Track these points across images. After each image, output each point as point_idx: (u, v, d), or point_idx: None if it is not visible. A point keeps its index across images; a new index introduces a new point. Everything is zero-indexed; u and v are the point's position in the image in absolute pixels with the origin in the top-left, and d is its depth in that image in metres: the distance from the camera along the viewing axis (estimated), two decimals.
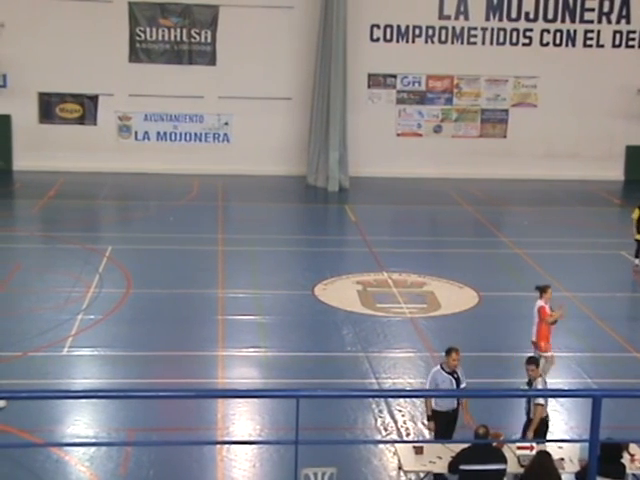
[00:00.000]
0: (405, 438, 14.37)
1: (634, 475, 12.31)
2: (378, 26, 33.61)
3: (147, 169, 32.95)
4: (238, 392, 14.32)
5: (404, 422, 14.80)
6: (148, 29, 33.03)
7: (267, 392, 17.17)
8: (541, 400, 13.10)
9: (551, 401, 15.01)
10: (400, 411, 15.11)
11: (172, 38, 33.19)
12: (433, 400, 13.14)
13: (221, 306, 19.71)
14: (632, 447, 12.42)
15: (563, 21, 34.14)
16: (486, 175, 33.74)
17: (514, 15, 33.93)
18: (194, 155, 33.58)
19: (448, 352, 13.34)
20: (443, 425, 13.10)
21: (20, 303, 19.64)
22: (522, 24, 33.98)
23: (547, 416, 13.47)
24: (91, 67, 32.61)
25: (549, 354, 15.89)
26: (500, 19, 33.92)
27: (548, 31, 34.13)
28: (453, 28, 33.78)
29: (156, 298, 20.32)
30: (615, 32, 34.31)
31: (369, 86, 34.02)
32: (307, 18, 32.88)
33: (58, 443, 14.66)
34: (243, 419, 14.91)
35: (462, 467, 11.69)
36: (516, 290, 21.48)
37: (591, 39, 34.32)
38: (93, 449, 13.71)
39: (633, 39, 34.39)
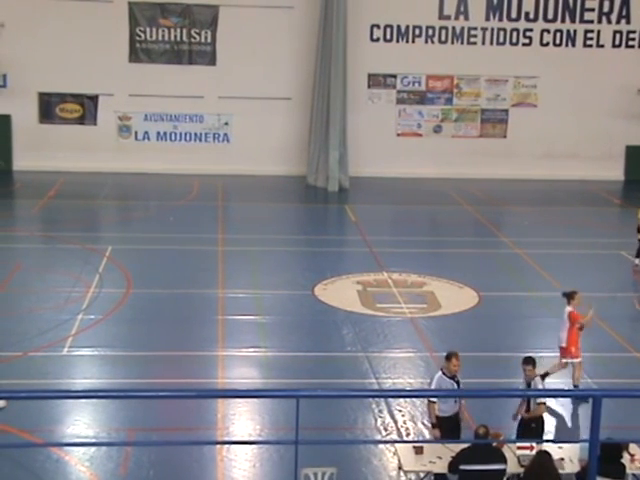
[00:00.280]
0: (405, 438, 14.37)
1: (634, 475, 12.31)
2: (378, 26, 33.61)
3: (147, 169, 32.95)
4: (238, 392, 14.32)
5: (404, 422, 14.81)
6: (148, 29, 33.03)
7: (267, 392, 17.17)
8: (543, 399, 13.14)
9: (551, 401, 15.03)
10: (400, 411, 15.11)
11: (172, 38, 33.19)
12: (437, 407, 13.09)
13: (221, 306, 19.71)
14: (632, 447, 12.42)
15: (563, 21, 34.14)
16: (486, 175, 33.74)
17: (514, 15, 33.94)
18: (194, 155, 33.58)
19: (448, 357, 13.22)
20: (448, 431, 13.06)
21: (20, 303, 19.64)
22: (522, 24, 33.98)
23: (542, 416, 13.51)
24: (91, 67, 32.61)
25: (578, 360, 15.90)
26: (500, 19, 33.92)
27: (548, 31, 34.13)
28: (453, 28, 33.78)
29: (156, 298, 20.31)
30: (615, 32, 34.31)
31: (369, 86, 34.02)
32: (307, 18, 32.88)
33: (58, 443, 14.66)
34: (243, 419, 14.91)
35: (462, 467, 11.69)
36: (516, 290, 21.50)
37: (591, 39, 34.32)
38: (93, 449, 13.71)
39: (633, 39, 34.39)
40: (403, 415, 15.01)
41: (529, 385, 13.31)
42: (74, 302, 19.63)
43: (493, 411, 13.80)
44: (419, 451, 12.35)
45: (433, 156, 34.06)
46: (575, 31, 34.23)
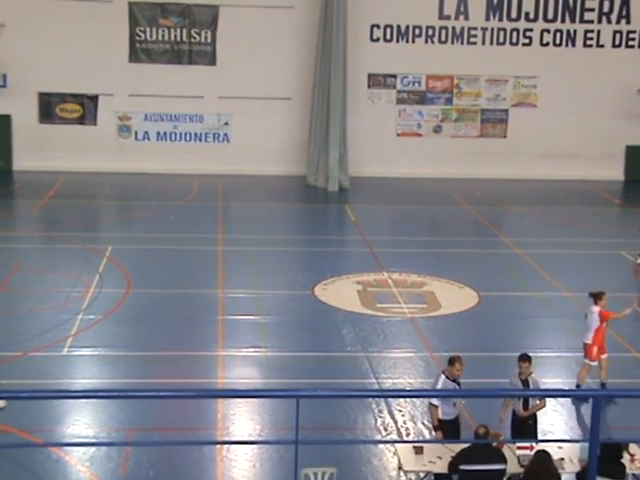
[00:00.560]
0: (405, 438, 14.37)
1: (634, 475, 12.31)
2: (378, 26, 33.61)
3: (147, 169, 32.96)
4: (238, 392, 14.31)
5: (404, 422, 14.81)
6: (148, 29, 33.03)
7: (267, 392, 17.16)
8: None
9: (551, 401, 15.03)
10: (400, 411, 15.11)
11: (172, 38, 33.19)
12: (440, 411, 13.06)
13: (221, 306, 19.71)
14: (632, 447, 12.42)
15: (563, 21, 34.14)
16: (486, 175, 33.73)
17: (514, 15, 33.93)
18: (194, 155, 33.58)
19: (452, 362, 13.13)
20: (449, 433, 13.04)
21: (20, 303, 19.64)
22: (522, 24, 33.97)
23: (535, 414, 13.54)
24: (91, 67, 32.61)
25: (595, 363, 15.90)
26: (500, 19, 33.91)
27: (548, 31, 34.13)
28: (453, 28, 33.77)
29: (156, 298, 20.31)
30: (615, 32, 34.30)
31: (369, 86, 34.02)
32: (307, 18, 32.88)
33: (58, 443, 14.66)
34: (243, 419, 14.91)
35: (462, 467, 11.69)
36: (516, 290, 21.50)
37: (591, 39, 34.31)
38: (93, 449, 13.71)
39: (633, 39, 34.38)
40: (403, 415, 15.01)
41: (524, 382, 13.31)
42: (74, 302, 19.63)
43: (493, 411, 13.79)
44: (419, 451, 12.35)
45: (433, 156, 34.06)
46: (575, 31, 34.23)
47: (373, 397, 15.64)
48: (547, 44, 34.15)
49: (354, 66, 32.88)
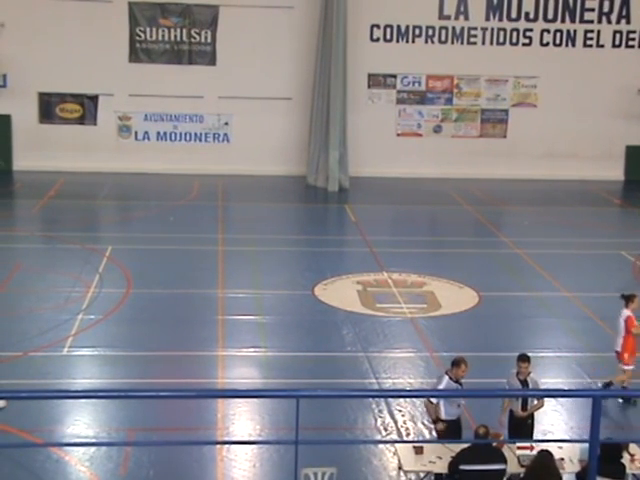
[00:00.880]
0: (405, 438, 14.37)
1: (634, 475, 12.31)
2: (378, 26, 33.61)
3: (147, 169, 32.96)
4: (238, 392, 14.32)
5: (404, 422, 14.80)
6: (148, 29, 33.04)
7: (267, 392, 17.16)
8: None
9: (551, 401, 15.03)
10: (400, 411, 15.11)
11: (172, 38, 33.19)
12: (442, 411, 13.04)
13: (221, 306, 19.71)
14: (632, 447, 12.42)
15: (563, 21, 34.14)
16: (486, 175, 33.74)
17: (514, 15, 33.94)
18: (194, 155, 33.58)
19: (457, 363, 13.07)
20: (451, 434, 13.02)
21: (20, 303, 19.63)
22: (522, 24, 33.98)
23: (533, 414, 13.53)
24: (91, 67, 32.61)
25: (630, 367, 15.61)
26: (500, 19, 33.92)
27: (548, 31, 34.13)
28: (453, 28, 33.77)
29: (156, 298, 20.31)
30: (615, 32, 34.30)
31: (369, 86, 34.02)
32: (307, 18, 32.88)
33: (58, 443, 14.66)
34: (243, 419, 14.90)
35: (462, 467, 11.69)
36: (516, 290, 21.51)
37: (591, 39, 34.31)
38: (93, 449, 13.71)
39: (633, 39, 34.39)
40: (403, 415, 15.01)
41: (523, 382, 13.29)
42: (74, 302, 19.63)
43: (493, 411, 13.79)
44: (419, 451, 12.34)
45: (433, 156, 34.06)
46: (575, 31, 34.23)
47: (373, 397, 15.63)
48: (547, 44, 34.15)
49: (354, 66, 32.89)
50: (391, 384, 16.24)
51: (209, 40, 33.27)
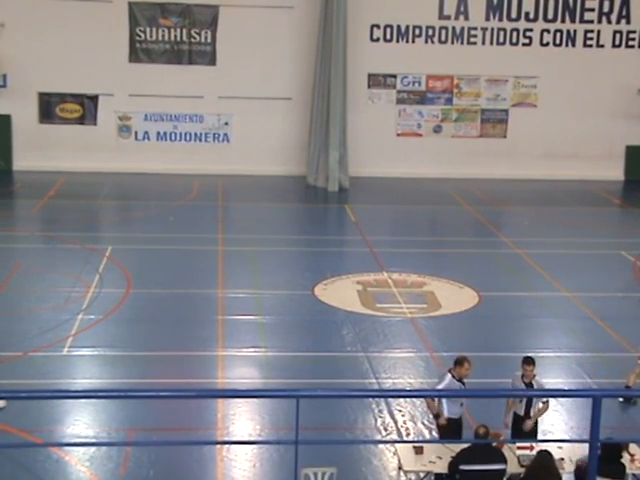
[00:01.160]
0: (405, 438, 14.37)
1: (634, 475, 12.31)
2: (378, 26, 33.61)
3: (147, 169, 32.96)
4: (238, 392, 14.32)
5: (404, 422, 14.80)
6: (148, 29, 33.03)
7: (267, 392, 17.16)
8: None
9: (551, 401, 15.02)
10: (400, 411, 15.11)
11: (172, 38, 33.19)
12: (445, 409, 13.04)
13: (221, 306, 19.71)
14: (632, 447, 12.42)
15: (563, 21, 34.14)
16: (486, 175, 33.74)
17: (514, 15, 33.93)
18: (194, 155, 33.58)
19: (461, 362, 13.07)
20: (453, 432, 13.01)
21: (20, 303, 19.63)
22: (522, 24, 33.97)
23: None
24: (91, 67, 32.61)
25: None
26: (500, 19, 33.91)
27: (548, 31, 34.13)
28: (453, 28, 33.77)
29: (156, 298, 20.31)
30: (615, 32, 34.30)
31: (369, 86, 34.02)
32: (307, 18, 32.88)
33: (58, 443, 14.66)
34: (243, 419, 14.90)
35: (462, 467, 11.69)
36: (516, 290, 21.51)
37: (591, 39, 34.31)
38: (93, 449, 13.71)
39: (633, 39, 34.39)
40: (403, 415, 15.01)
41: (528, 385, 13.28)
42: (74, 302, 19.62)
43: (493, 411, 13.79)
44: (419, 451, 12.35)
45: (433, 156, 34.06)
46: (575, 31, 34.23)
47: (373, 397, 15.63)
48: (547, 44, 34.15)
49: (354, 66, 32.88)
50: (391, 384, 16.24)
51: (209, 40, 33.27)
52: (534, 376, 13.30)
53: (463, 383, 13.06)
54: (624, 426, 14.82)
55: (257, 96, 33.18)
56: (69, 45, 32.51)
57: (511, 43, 34.05)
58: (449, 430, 13.00)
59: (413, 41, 33.80)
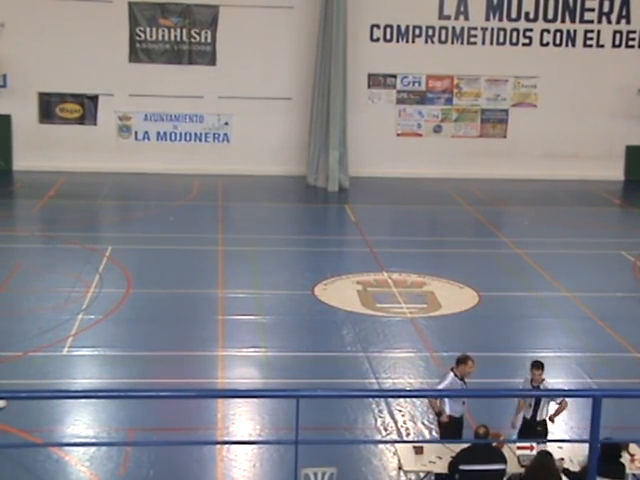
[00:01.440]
0: (405, 438, 14.36)
1: (634, 475, 12.31)
2: (378, 26, 33.61)
3: (147, 169, 32.96)
4: (238, 392, 14.32)
5: (404, 422, 14.80)
6: (148, 29, 33.03)
7: (267, 392, 17.17)
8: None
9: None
10: (400, 411, 15.11)
11: (172, 38, 33.19)
12: (448, 408, 13.03)
13: (221, 306, 19.71)
14: (632, 447, 12.42)
15: (563, 21, 34.14)
16: (486, 175, 33.74)
17: (514, 15, 33.93)
18: (194, 155, 33.58)
19: (464, 360, 13.07)
20: (454, 431, 13.01)
21: (20, 303, 19.63)
22: (522, 24, 33.97)
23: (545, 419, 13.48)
24: (91, 67, 32.61)
25: None
26: (500, 19, 33.91)
27: (548, 31, 34.13)
28: (453, 28, 33.77)
29: (156, 298, 20.31)
30: (615, 32, 34.30)
31: (369, 86, 34.02)
32: (307, 18, 32.87)
33: (58, 443, 14.66)
34: (243, 419, 14.90)
35: (462, 467, 11.69)
36: (516, 290, 21.51)
37: (591, 39, 34.31)
38: (93, 449, 13.71)
39: (633, 39, 34.38)
40: (403, 415, 15.01)
41: (536, 389, 13.26)
42: (74, 302, 19.62)
43: (493, 411, 13.79)
44: (419, 451, 12.35)
45: (433, 156, 34.06)
46: (575, 31, 34.23)
47: (373, 397, 15.63)
48: (547, 44, 34.15)
49: (354, 66, 32.89)
50: (391, 384, 16.23)
51: (209, 40, 33.27)
52: (542, 380, 13.28)
53: (464, 382, 13.06)
54: (624, 426, 14.82)
55: (257, 96, 33.18)
56: (69, 45, 32.51)
57: (511, 43, 34.05)
58: (450, 428, 13.00)
59: (413, 41, 33.80)
